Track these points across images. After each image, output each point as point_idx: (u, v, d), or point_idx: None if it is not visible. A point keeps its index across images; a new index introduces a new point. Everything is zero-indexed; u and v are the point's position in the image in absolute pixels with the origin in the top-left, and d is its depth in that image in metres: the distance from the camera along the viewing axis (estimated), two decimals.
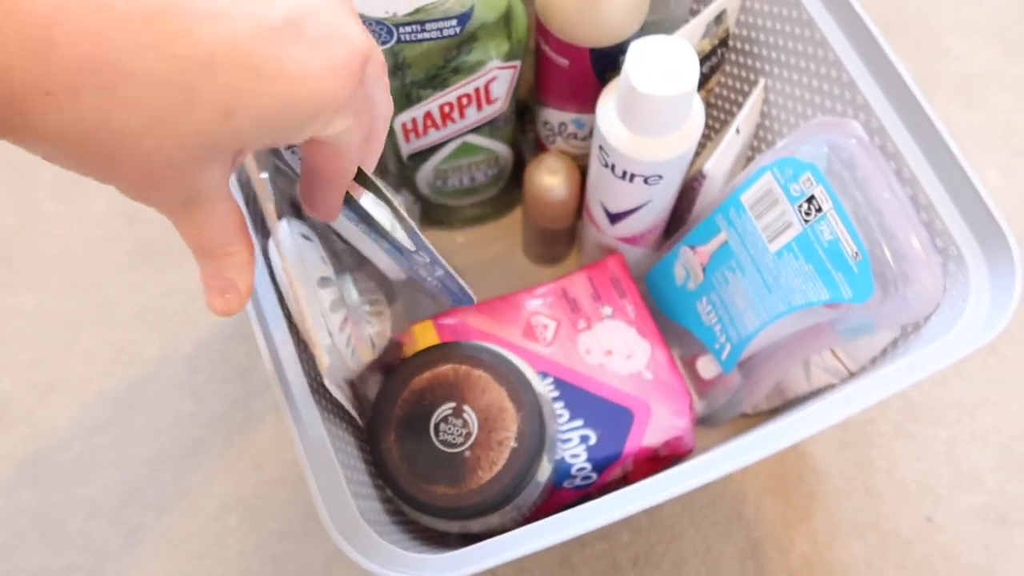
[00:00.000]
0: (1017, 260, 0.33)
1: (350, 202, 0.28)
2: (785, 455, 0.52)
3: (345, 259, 0.42)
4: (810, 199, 0.38)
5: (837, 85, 0.39)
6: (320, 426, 0.32)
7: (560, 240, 0.52)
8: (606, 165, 0.41)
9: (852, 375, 0.43)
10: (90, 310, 0.57)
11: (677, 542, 0.50)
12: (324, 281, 0.36)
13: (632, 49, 0.36)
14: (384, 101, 0.26)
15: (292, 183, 0.40)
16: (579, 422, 0.43)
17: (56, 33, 0.18)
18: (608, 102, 0.40)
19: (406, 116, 0.43)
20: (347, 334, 0.37)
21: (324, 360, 0.32)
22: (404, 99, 0.42)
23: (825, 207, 0.37)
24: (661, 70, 0.36)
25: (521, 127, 0.54)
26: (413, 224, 0.30)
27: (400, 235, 0.30)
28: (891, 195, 0.37)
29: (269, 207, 0.30)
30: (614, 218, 0.45)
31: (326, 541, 0.51)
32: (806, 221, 0.38)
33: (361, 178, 0.28)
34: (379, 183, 0.28)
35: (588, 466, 0.43)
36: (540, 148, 0.51)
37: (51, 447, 0.53)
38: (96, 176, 0.21)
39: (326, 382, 0.33)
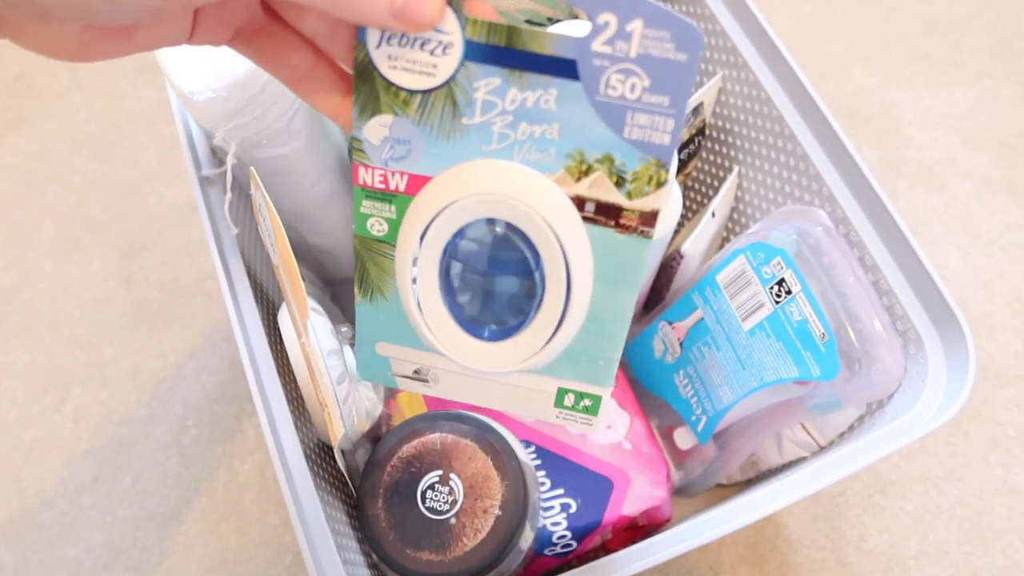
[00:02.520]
0: (970, 343, 0.35)
1: None
2: (759, 526, 0.53)
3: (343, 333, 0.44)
4: (780, 282, 0.41)
5: (805, 176, 0.42)
6: (314, 494, 0.34)
7: None
8: None
9: (822, 448, 0.45)
10: (82, 369, 0.58)
11: None
12: (332, 354, 0.37)
13: None
14: None
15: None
16: (560, 490, 0.45)
17: None
18: None
19: None
20: (349, 406, 0.38)
21: (340, 429, 0.33)
22: None
23: (795, 290, 0.40)
24: None
25: None
26: None
27: None
28: (855, 280, 0.39)
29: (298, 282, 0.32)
30: None
31: None
32: (777, 302, 0.41)
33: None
34: None
35: (568, 534, 0.44)
36: None
37: (35, 506, 0.53)
38: None
39: (336, 452, 0.34)
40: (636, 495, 0.45)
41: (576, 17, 0.39)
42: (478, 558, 0.39)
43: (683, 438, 0.49)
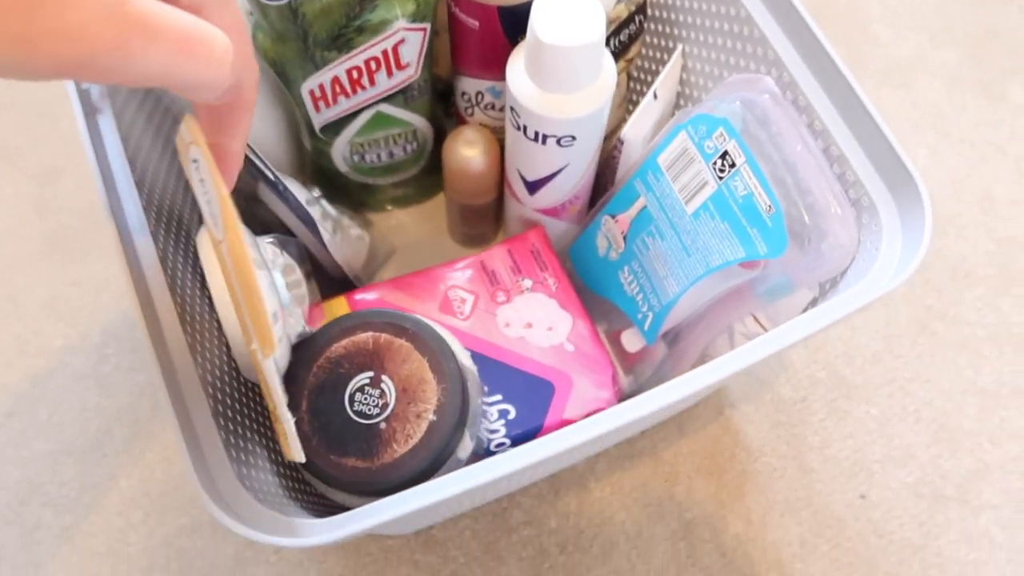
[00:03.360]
0: (925, 201, 0.32)
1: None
2: (717, 434, 0.51)
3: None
4: (724, 155, 0.37)
5: (750, 43, 0.38)
6: (195, 379, 0.30)
7: (484, 218, 0.51)
8: (518, 128, 0.40)
9: None
10: None
11: (607, 526, 0.49)
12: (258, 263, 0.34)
13: (537, 3, 0.35)
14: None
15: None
16: (498, 396, 0.42)
17: None
18: (517, 60, 0.39)
19: (313, 82, 0.41)
20: (280, 327, 0.35)
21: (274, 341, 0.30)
22: (309, 63, 0.40)
23: (738, 161, 0.37)
24: (567, 21, 0.35)
25: (445, 109, 0.52)
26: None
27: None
28: (804, 148, 0.36)
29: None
30: (532, 187, 0.44)
31: (237, 535, 0.48)
32: (720, 178, 0.37)
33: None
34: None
35: (507, 441, 0.41)
36: (460, 123, 0.49)
37: None
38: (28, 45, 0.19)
39: (270, 366, 0.31)
40: (579, 398, 0.42)
41: None
42: (409, 465, 0.36)
43: (631, 340, 0.46)
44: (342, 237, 0.48)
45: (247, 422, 0.36)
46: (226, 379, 0.36)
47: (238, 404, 0.35)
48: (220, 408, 0.32)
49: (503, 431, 0.41)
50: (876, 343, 0.53)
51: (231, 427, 0.32)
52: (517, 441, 0.41)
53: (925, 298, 0.55)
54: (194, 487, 0.27)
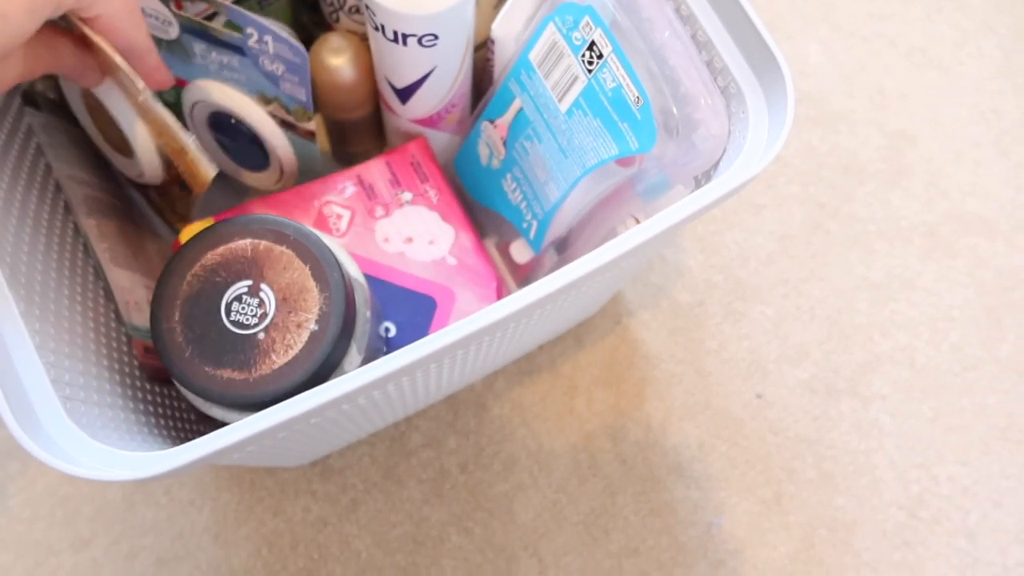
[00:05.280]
0: (788, 83, 0.31)
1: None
2: (614, 344, 0.50)
3: None
4: (591, 46, 0.35)
5: None
6: (15, 315, 0.28)
7: (363, 134, 0.48)
8: (377, 28, 0.37)
9: None
10: None
11: (508, 442, 0.48)
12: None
13: None
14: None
15: None
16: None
17: None
18: None
19: None
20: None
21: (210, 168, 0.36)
22: None
23: (605, 52, 0.35)
24: None
25: (314, 20, 0.49)
26: (234, 6, 0.36)
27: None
28: (672, 35, 0.34)
29: None
30: (403, 95, 0.42)
31: None
32: (589, 71, 0.36)
33: None
34: None
35: None
36: (328, 32, 0.46)
37: None
38: None
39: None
40: (461, 312, 0.41)
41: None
42: (288, 377, 0.34)
43: (519, 251, 0.45)
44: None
45: (93, 359, 0.34)
46: (59, 315, 0.33)
47: (78, 339, 0.33)
48: (50, 343, 0.30)
49: (384, 348, 0.40)
50: (771, 244, 0.53)
51: (65, 363, 0.30)
52: None
53: (818, 196, 0.54)
54: (8, 422, 0.25)
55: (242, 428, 0.26)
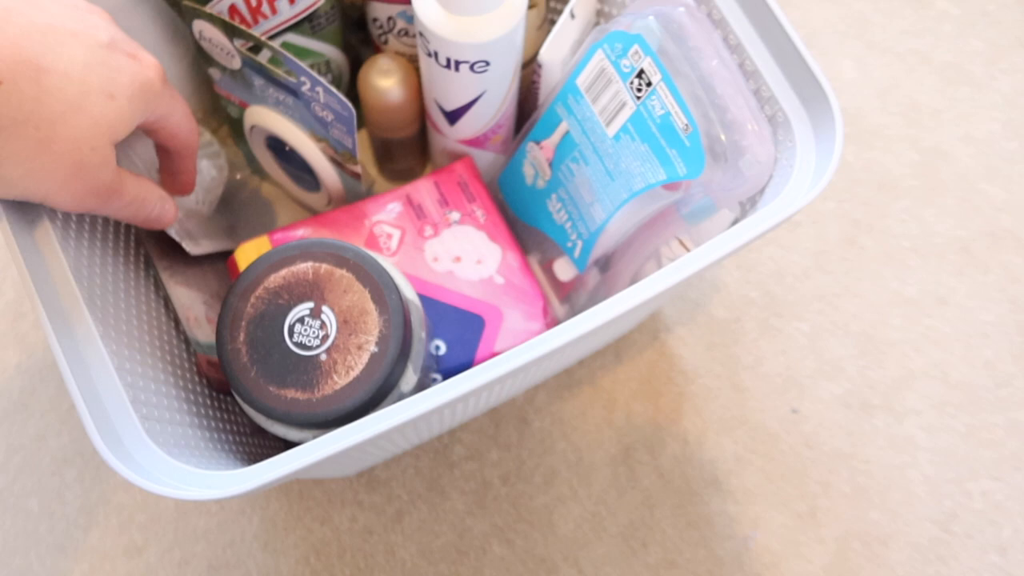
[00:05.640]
0: (837, 114, 0.32)
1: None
2: (653, 359, 0.51)
3: None
4: (640, 73, 0.36)
5: None
6: (95, 336, 0.29)
7: (408, 152, 0.50)
8: (430, 54, 0.39)
9: None
10: None
11: (548, 455, 0.49)
12: None
13: None
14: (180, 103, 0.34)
15: None
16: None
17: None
18: None
19: (211, 11, 0.39)
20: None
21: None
22: None
23: (654, 80, 0.36)
24: None
25: (362, 39, 0.50)
26: (288, 55, 0.38)
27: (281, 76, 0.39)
28: (720, 63, 0.35)
29: None
30: (451, 117, 0.43)
31: None
32: (638, 98, 0.37)
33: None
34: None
35: (439, 377, 0.41)
36: (377, 53, 0.47)
37: None
38: (34, 182, 0.28)
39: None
40: (509, 330, 0.42)
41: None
42: (350, 397, 0.35)
43: (563, 269, 0.46)
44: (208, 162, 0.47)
45: (161, 377, 0.35)
46: (139, 344, 0.34)
47: (148, 358, 0.34)
48: (126, 364, 0.31)
49: (434, 366, 0.41)
50: (806, 260, 0.54)
51: (140, 383, 0.31)
52: (448, 376, 0.41)
53: (853, 212, 0.55)
54: (93, 438, 0.26)
55: (319, 448, 0.27)
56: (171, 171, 0.38)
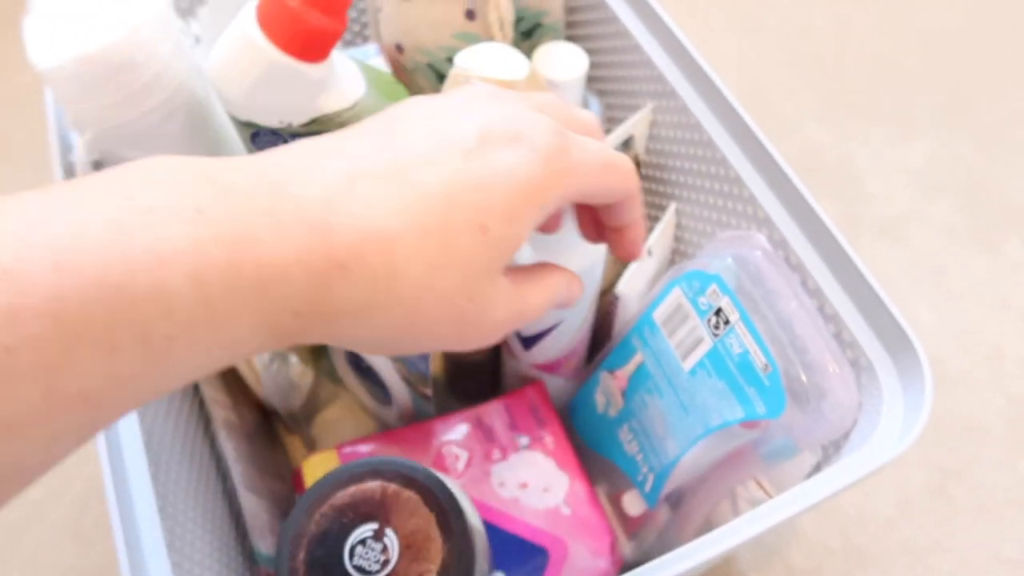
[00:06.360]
0: (924, 365, 0.31)
1: None
2: None
3: None
4: (718, 311, 0.37)
5: (740, 201, 0.39)
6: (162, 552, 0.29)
7: (480, 373, 0.50)
8: None
9: None
10: None
11: None
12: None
13: None
14: (587, 145, 0.26)
15: None
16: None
17: (331, 216, 0.21)
18: None
19: None
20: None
21: None
22: None
23: (732, 318, 0.36)
24: None
25: None
26: None
27: None
28: (798, 305, 0.36)
29: None
30: (527, 342, 0.44)
31: None
32: (715, 335, 0.37)
33: None
34: None
35: None
36: None
37: None
38: (412, 341, 0.24)
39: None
40: (574, 567, 0.40)
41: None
42: None
43: (632, 503, 0.44)
44: (279, 367, 0.48)
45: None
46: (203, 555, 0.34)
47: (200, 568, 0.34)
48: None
49: None
50: (890, 508, 0.51)
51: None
52: None
53: (939, 459, 0.52)
54: None
55: None
56: (613, 226, 0.31)
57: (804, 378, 0.35)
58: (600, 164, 0.26)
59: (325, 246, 0.21)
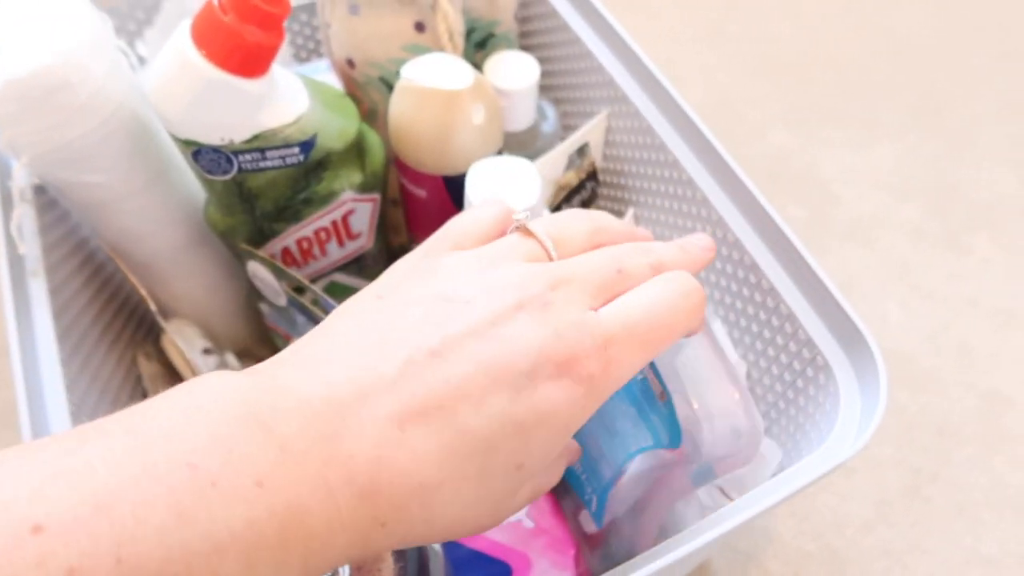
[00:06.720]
0: (880, 363, 0.31)
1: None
2: None
3: None
4: None
5: (694, 204, 0.39)
6: None
7: None
8: None
9: None
10: None
11: None
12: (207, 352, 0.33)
13: (473, 170, 0.36)
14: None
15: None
16: None
17: (381, 476, 0.21)
18: None
19: (263, 254, 0.42)
20: None
21: None
22: (258, 234, 0.40)
23: None
24: (503, 189, 0.35)
25: None
26: (327, 299, 0.37)
27: None
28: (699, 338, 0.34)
29: None
30: None
31: None
32: None
33: None
34: None
35: None
36: None
37: None
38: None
39: None
40: None
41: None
42: None
43: (588, 521, 0.43)
44: (217, 363, 0.47)
45: None
46: None
47: None
48: None
49: None
50: (866, 510, 0.50)
51: None
52: None
53: (912, 460, 0.52)
54: None
55: None
56: None
57: (694, 404, 0.33)
58: (646, 328, 0.25)
59: (371, 512, 0.21)
